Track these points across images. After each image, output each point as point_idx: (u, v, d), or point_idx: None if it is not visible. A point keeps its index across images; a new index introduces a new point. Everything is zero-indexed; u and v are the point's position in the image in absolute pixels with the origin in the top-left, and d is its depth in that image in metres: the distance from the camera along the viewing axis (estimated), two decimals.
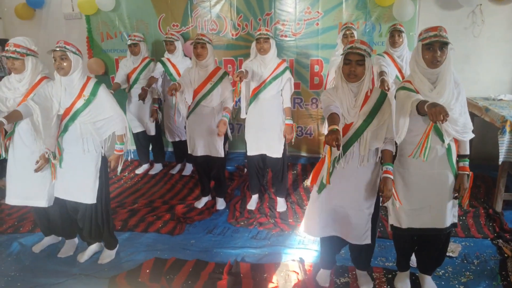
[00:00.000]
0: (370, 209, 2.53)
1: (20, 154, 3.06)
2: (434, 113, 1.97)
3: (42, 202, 3.09)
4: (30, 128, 2.94)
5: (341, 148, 2.13)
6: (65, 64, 2.76)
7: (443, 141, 2.38)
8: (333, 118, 2.19)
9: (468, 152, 2.49)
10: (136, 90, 4.78)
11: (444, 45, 2.26)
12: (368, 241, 2.56)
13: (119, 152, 3.08)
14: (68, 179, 2.97)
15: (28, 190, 3.07)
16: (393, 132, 2.45)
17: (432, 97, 2.31)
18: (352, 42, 2.38)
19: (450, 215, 2.51)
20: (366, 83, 2.38)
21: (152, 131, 4.97)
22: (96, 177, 2.96)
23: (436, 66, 2.30)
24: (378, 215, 2.64)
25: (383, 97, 2.44)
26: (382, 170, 2.44)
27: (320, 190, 2.55)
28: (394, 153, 2.49)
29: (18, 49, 2.89)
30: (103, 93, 2.89)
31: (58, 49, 2.73)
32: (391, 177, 2.40)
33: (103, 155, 3.00)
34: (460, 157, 2.49)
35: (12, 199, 3.13)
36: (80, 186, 2.95)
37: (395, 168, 2.54)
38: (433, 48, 2.27)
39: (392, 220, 2.63)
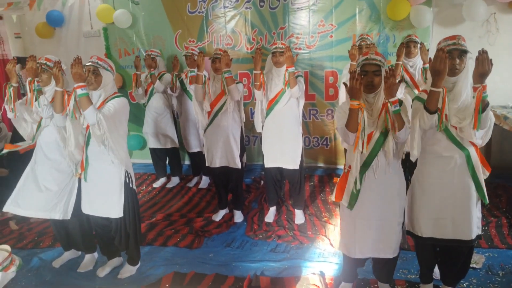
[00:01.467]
0: (400, 218, 2.52)
1: (40, 167, 3.12)
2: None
3: (56, 214, 3.12)
4: (54, 141, 3.01)
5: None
6: (95, 79, 2.79)
7: (461, 148, 2.36)
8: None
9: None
10: (153, 104, 4.85)
11: (463, 53, 2.26)
12: (397, 252, 2.55)
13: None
14: (93, 194, 2.99)
15: (43, 203, 3.09)
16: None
17: (449, 107, 2.31)
18: (367, 53, 2.39)
19: (474, 227, 2.47)
20: (382, 93, 2.38)
21: (170, 144, 5.03)
22: (121, 190, 2.96)
23: (454, 74, 2.30)
24: (403, 226, 2.61)
25: (399, 104, 2.41)
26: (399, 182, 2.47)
27: (351, 205, 2.49)
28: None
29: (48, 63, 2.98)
30: (117, 101, 2.83)
31: (90, 64, 2.78)
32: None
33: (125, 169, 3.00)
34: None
35: (29, 211, 3.15)
36: (106, 201, 2.97)
37: (414, 177, 2.55)
38: (452, 56, 2.27)
39: (408, 227, 2.62)
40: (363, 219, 2.51)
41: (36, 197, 3.11)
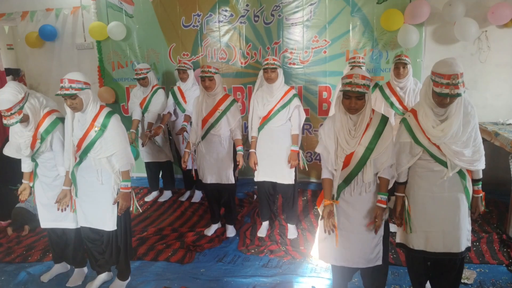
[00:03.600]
0: (380, 231, 2.50)
1: (44, 180, 3.12)
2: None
3: (71, 224, 3.16)
4: (50, 159, 3.05)
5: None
6: (76, 102, 2.71)
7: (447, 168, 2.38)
8: (327, 188, 2.49)
9: (481, 176, 2.49)
10: (146, 119, 4.84)
11: (454, 97, 2.21)
12: (379, 262, 2.52)
13: (125, 190, 2.93)
14: (87, 207, 2.98)
15: (56, 213, 3.08)
16: (392, 158, 2.45)
17: (435, 134, 2.33)
18: (351, 76, 2.31)
19: (464, 239, 2.48)
20: (366, 114, 2.38)
21: (164, 157, 5.00)
22: (114, 204, 2.94)
23: (445, 107, 2.29)
24: (388, 238, 2.60)
25: (384, 122, 2.42)
26: (376, 198, 2.46)
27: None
28: (391, 180, 2.52)
29: (8, 113, 2.78)
30: (114, 125, 2.84)
31: (63, 92, 2.65)
32: (384, 206, 2.41)
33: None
34: (474, 181, 2.48)
35: (45, 222, 3.22)
36: (99, 214, 2.95)
37: (406, 189, 2.56)
38: (443, 98, 2.23)
39: (399, 239, 2.62)
40: (341, 230, 2.51)
41: (51, 208, 3.11)
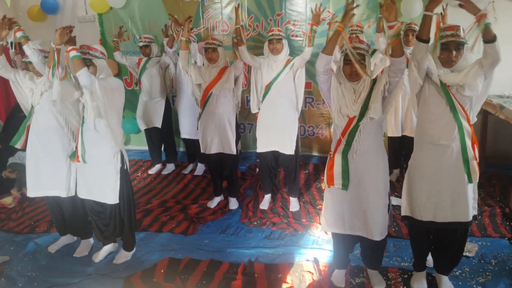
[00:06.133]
0: (386, 200, 2.53)
1: (40, 150, 3.13)
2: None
3: (61, 192, 3.16)
4: (50, 125, 3.07)
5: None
6: (91, 70, 2.76)
7: (456, 117, 2.36)
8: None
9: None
10: (145, 80, 4.85)
11: (460, 45, 2.24)
12: (384, 235, 2.57)
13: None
14: (89, 179, 3.01)
15: (47, 182, 3.14)
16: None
17: (450, 77, 2.32)
18: (350, 41, 2.37)
19: (471, 208, 2.49)
20: (367, 80, 2.39)
21: (158, 124, 4.98)
22: (117, 177, 2.97)
23: (450, 66, 2.30)
24: (390, 209, 2.63)
25: (373, 81, 2.45)
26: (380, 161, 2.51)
27: (345, 186, 2.51)
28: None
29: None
30: (110, 78, 2.90)
31: (82, 55, 2.71)
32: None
33: (121, 154, 3.00)
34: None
35: (32, 191, 3.23)
36: (102, 187, 2.98)
37: (411, 161, 2.57)
38: (449, 48, 2.25)
39: (405, 211, 2.61)
40: (351, 199, 2.54)
41: (41, 177, 3.15)
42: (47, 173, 3.14)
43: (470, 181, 2.43)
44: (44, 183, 3.17)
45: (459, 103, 2.36)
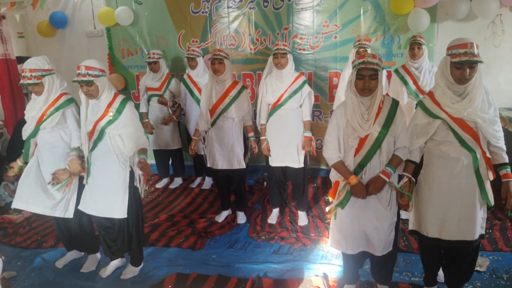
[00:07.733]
0: (394, 218, 2.51)
1: (43, 167, 3.11)
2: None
3: (57, 212, 3.14)
4: (54, 143, 3.06)
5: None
6: (92, 89, 2.76)
7: (470, 151, 2.34)
8: (343, 168, 2.46)
9: (507, 160, 2.41)
10: (153, 105, 4.87)
11: (474, 63, 2.20)
12: (391, 248, 2.54)
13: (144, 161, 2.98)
14: (96, 194, 2.99)
15: (45, 200, 3.11)
16: (407, 140, 2.44)
17: (458, 109, 2.29)
18: (363, 56, 2.35)
19: (478, 227, 2.46)
20: (378, 96, 2.38)
21: (173, 145, 5.02)
22: (125, 191, 2.96)
23: (464, 83, 2.26)
24: (399, 225, 2.60)
25: (395, 106, 2.43)
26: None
27: (342, 205, 2.51)
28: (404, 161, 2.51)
29: (33, 74, 2.86)
30: (129, 110, 2.90)
31: (80, 79, 2.70)
32: (386, 179, 2.40)
33: (130, 169, 3.00)
34: (500, 165, 2.42)
35: (18, 202, 3.16)
36: (110, 201, 2.96)
37: (421, 177, 2.54)
38: (463, 67, 2.21)
39: (413, 226, 2.60)
40: (355, 217, 2.52)
41: (40, 194, 3.11)
42: (49, 193, 3.10)
43: (489, 204, 2.42)
44: (35, 198, 3.12)
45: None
